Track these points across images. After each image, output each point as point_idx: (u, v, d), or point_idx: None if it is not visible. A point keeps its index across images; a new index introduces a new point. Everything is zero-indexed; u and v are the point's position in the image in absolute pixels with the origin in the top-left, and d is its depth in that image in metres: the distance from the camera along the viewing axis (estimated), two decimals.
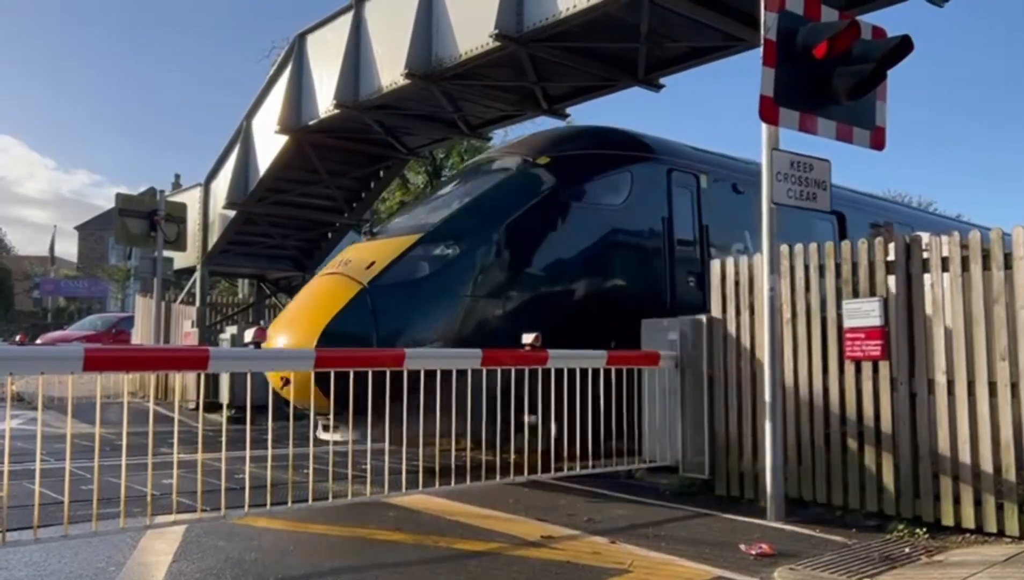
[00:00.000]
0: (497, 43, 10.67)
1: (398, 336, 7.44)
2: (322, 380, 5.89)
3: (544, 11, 10.35)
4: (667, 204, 9.62)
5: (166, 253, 15.98)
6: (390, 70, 11.89)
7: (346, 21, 13.04)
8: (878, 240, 6.24)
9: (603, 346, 7.22)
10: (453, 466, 6.15)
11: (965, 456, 5.62)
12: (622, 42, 11.54)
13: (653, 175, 9.71)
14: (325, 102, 12.83)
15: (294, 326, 7.78)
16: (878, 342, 6.05)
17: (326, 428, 6.89)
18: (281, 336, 7.61)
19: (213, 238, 15.90)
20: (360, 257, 8.45)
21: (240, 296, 20.75)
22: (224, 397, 9.81)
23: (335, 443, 6.32)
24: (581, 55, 11.90)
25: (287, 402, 6.57)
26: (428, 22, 11.68)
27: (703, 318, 7.28)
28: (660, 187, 9.67)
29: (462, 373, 6.14)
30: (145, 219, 15.52)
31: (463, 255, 8.18)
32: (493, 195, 9.13)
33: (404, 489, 5.91)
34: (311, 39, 13.91)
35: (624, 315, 8.27)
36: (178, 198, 16.84)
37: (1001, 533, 5.41)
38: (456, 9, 11.38)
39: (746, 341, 6.90)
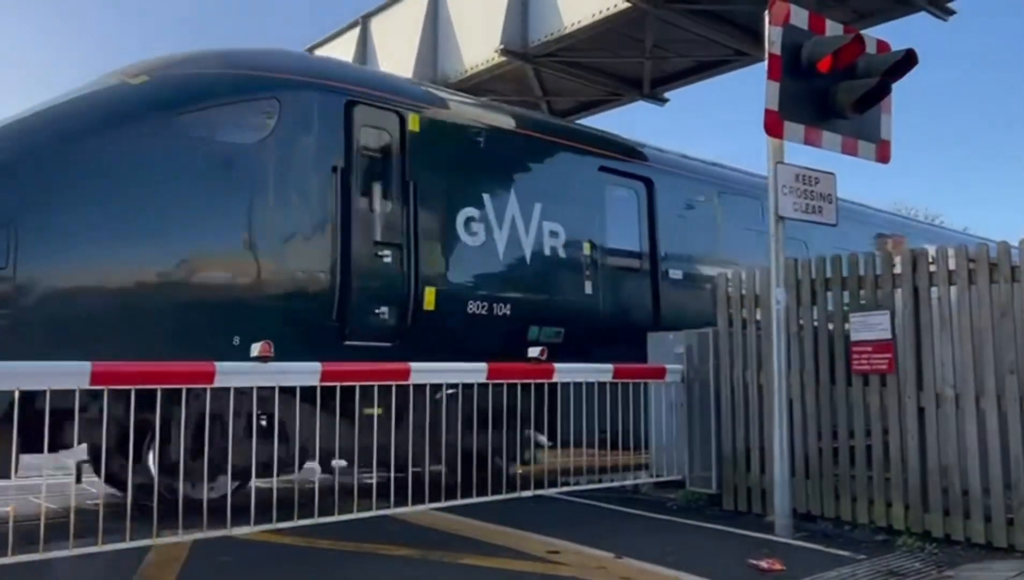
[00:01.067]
0: (503, 58, 10.77)
1: None
2: None
3: (549, 27, 10.44)
4: (343, 149, 7.23)
5: None
6: None
7: (352, 36, 13.19)
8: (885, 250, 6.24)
9: (224, 352, 5.67)
10: (459, 481, 6.14)
11: (974, 471, 5.58)
12: (627, 57, 11.63)
13: (317, 108, 7.22)
14: None
15: None
16: (886, 355, 6.02)
17: None
18: None
19: None
20: None
21: None
22: None
23: None
24: (586, 70, 12.00)
25: None
26: (434, 37, 11.80)
27: (710, 331, 7.26)
28: (330, 125, 7.22)
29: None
30: None
31: None
32: (40, 124, 6.46)
33: (410, 504, 5.89)
34: (318, 54, 14.04)
35: (260, 306, 6.59)
36: None
37: (1012, 548, 5.36)
38: (462, 24, 11.49)
39: (753, 354, 6.88)
